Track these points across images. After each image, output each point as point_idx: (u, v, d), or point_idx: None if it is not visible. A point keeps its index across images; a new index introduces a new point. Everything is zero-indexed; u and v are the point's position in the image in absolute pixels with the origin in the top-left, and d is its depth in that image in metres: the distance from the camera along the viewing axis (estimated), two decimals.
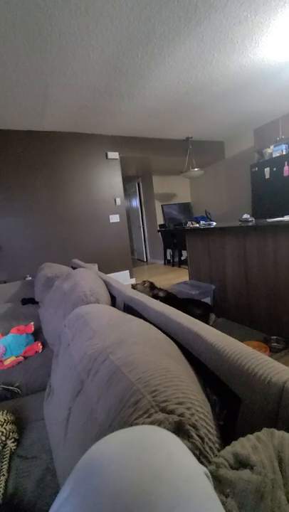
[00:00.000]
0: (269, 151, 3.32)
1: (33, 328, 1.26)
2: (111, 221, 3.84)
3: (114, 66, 2.18)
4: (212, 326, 0.76)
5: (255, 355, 0.48)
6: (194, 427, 0.34)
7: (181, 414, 0.35)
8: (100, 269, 3.22)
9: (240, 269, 2.03)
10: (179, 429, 0.33)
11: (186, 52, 2.11)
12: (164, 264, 5.39)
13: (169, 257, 5.26)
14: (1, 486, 0.54)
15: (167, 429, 0.32)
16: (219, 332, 0.59)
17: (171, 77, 2.44)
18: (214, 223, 2.52)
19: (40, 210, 3.37)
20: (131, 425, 0.35)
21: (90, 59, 2.05)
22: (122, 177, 4.02)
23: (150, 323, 0.77)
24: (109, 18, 1.67)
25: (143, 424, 0.34)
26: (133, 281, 4.08)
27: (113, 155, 3.77)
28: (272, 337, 1.77)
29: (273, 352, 1.66)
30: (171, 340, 0.63)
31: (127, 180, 5.89)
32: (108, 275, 2.64)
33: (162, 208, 5.52)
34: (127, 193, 6.48)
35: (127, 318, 0.76)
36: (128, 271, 4.04)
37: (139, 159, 4.31)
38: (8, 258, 3.20)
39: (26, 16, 1.58)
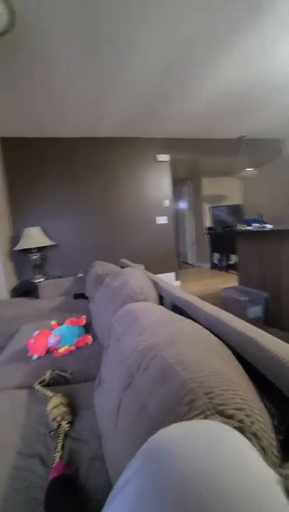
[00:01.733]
0: None
1: (84, 321, 1.34)
2: (158, 223, 3.87)
3: (170, 70, 2.20)
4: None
5: None
6: (255, 436, 0.32)
7: (241, 421, 0.33)
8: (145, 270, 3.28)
9: None
10: None
11: (245, 49, 2.02)
12: (211, 268, 5.21)
13: (216, 261, 5.08)
14: (56, 461, 0.58)
15: None
16: (279, 340, 0.55)
17: (226, 75, 2.36)
18: (269, 226, 2.35)
19: (92, 211, 3.58)
20: None
21: (146, 66, 2.11)
22: (172, 179, 4.03)
23: (200, 324, 0.75)
24: (170, 23, 1.69)
25: None
26: (178, 284, 4.04)
27: (163, 157, 3.80)
28: None
29: None
30: (224, 344, 0.61)
31: (175, 182, 5.88)
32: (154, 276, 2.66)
33: (211, 210, 5.37)
34: (175, 195, 6.46)
35: (176, 317, 0.76)
36: (174, 273, 4.02)
37: (188, 161, 4.26)
38: (63, 255, 3.48)
39: (88, 25, 1.69)
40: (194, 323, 0.72)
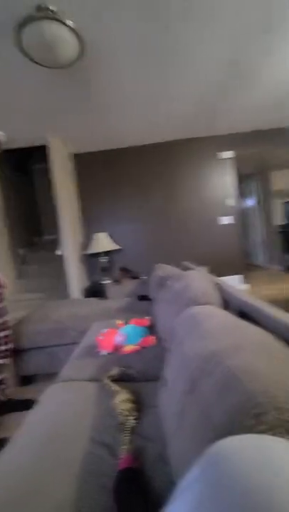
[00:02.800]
0: None
1: (148, 323, 1.38)
2: (222, 223, 3.70)
3: (230, 61, 2.10)
4: None
5: None
6: None
7: None
8: (210, 272, 3.17)
9: None
10: None
11: None
12: (284, 270, 4.69)
13: None
14: (125, 453, 0.61)
15: None
16: None
17: None
18: None
19: (154, 215, 3.68)
20: None
21: (204, 63, 2.06)
22: (236, 176, 3.81)
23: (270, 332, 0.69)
24: (235, 12, 1.62)
25: None
26: (247, 287, 3.77)
27: (226, 154, 3.63)
28: None
29: None
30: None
31: (240, 179, 5.53)
32: (219, 278, 2.55)
33: (285, 205, 4.84)
34: (241, 193, 6.07)
35: (242, 323, 0.71)
36: (241, 276, 3.77)
37: (254, 155, 3.95)
38: (127, 259, 3.66)
39: (149, 37, 1.75)
40: (263, 331, 0.66)
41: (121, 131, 3.14)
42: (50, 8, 1.30)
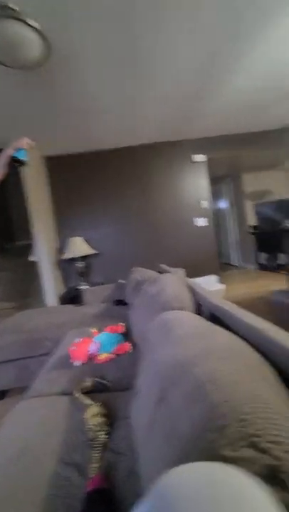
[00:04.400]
0: None
1: (123, 329, 1.36)
2: (197, 225, 3.77)
3: (201, 69, 2.15)
4: None
5: None
6: None
7: (278, 458, 0.29)
8: (186, 273, 3.21)
9: None
10: (273, 477, 0.27)
11: (282, 31, 1.86)
12: (257, 269, 4.88)
13: (263, 261, 4.73)
14: (94, 472, 0.59)
15: (257, 472, 0.27)
16: None
17: (263, 62, 2.21)
18: None
19: (131, 218, 3.66)
20: (215, 454, 0.31)
21: (176, 68, 2.09)
22: (209, 178, 3.90)
23: (240, 337, 0.69)
24: (193, 21, 1.66)
25: (229, 456, 0.30)
26: (222, 287, 3.86)
27: (199, 158, 3.71)
28: None
29: None
30: (266, 362, 0.55)
31: (213, 181, 5.68)
32: (195, 279, 2.58)
33: (255, 207, 5.04)
34: (214, 195, 6.24)
35: (212, 328, 0.71)
36: (216, 276, 3.86)
37: (227, 158, 4.08)
38: (105, 263, 3.61)
39: (120, 45, 1.75)
40: (233, 335, 0.67)
41: (94, 134, 3.09)
42: (11, 6, 1.24)
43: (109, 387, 1.00)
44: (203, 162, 3.74)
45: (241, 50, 2.00)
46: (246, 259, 5.28)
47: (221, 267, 5.65)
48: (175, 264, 3.63)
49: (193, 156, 3.73)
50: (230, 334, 0.66)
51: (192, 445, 0.36)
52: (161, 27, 1.65)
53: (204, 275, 3.82)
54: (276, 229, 3.49)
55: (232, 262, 5.72)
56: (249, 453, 0.30)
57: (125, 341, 1.28)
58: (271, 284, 3.58)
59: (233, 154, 3.90)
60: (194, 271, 3.75)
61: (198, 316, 0.87)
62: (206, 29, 1.73)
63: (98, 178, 3.60)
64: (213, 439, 0.33)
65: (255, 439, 0.31)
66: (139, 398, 0.70)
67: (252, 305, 2.88)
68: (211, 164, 4.01)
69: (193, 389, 0.46)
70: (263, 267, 4.72)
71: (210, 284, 3.79)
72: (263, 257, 4.68)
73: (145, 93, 2.37)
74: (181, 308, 0.97)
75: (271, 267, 4.44)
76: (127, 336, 1.37)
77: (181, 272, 2.50)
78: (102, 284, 3.29)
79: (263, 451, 0.30)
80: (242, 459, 0.29)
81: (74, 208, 3.58)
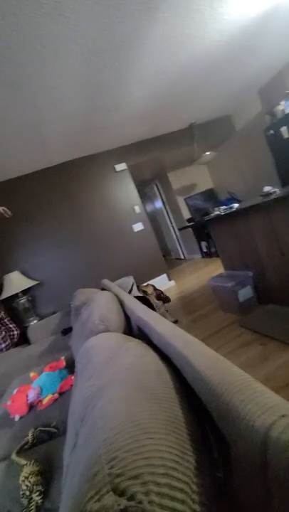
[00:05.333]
0: (281, 108, 2.95)
1: (64, 363, 1.29)
2: (135, 230, 3.84)
3: (93, 83, 2.19)
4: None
5: (242, 385, 0.38)
6: None
7: (132, 497, 0.28)
8: (136, 280, 3.23)
9: (273, 248, 1.82)
10: None
11: (155, 44, 2.01)
12: (202, 257, 5.18)
13: (205, 249, 5.04)
14: None
15: None
16: (214, 354, 0.51)
17: (149, 72, 2.36)
18: (236, 205, 2.32)
19: (68, 238, 3.55)
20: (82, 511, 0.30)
21: (68, 85, 2.09)
22: (138, 182, 4.02)
23: (156, 346, 0.71)
24: (71, 40, 1.68)
25: (93, 511, 0.29)
26: (172, 284, 3.99)
27: (121, 166, 3.79)
28: None
29: None
30: (166, 369, 0.56)
31: (143, 184, 5.88)
32: (148, 283, 2.61)
33: (186, 201, 5.35)
34: (147, 197, 6.46)
35: (125, 347, 0.71)
36: (165, 274, 3.98)
37: (149, 161, 4.26)
38: (52, 291, 3.43)
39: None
40: (143, 348, 0.68)
41: (9, 161, 2.93)
42: None
43: (54, 433, 0.94)
44: (125, 170, 3.83)
45: (125, 61, 2.10)
46: (192, 251, 5.57)
47: (171, 262, 5.86)
48: (124, 273, 3.64)
49: (115, 165, 3.80)
50: (138, 349, 0.67)
51: (75, 501, 0.34)
52: (45, 51, 1.65)
53: (154, 277, 3.91)
54: (197, 221, 3.75)
55: (180, 256, 5.97)
56: (109, 500, 0.29)
57: (70, 374, 1.22)
58: (217, 269, 3.81)
59: (151, 157, 4.08)
60: (144, 275, 3.81)
61: (117, 335, 0.87)
62: (89, 45, 1.78)
63: (28, 204, 3.41)
64: (84, 493, 0.32)
65: (118, 480, 0.30)
66: (66, 441, 0.67)
67: (201, 294, 3.03)
68: (134, 170, 4.13)
69: (90, 429, 0.45)
70: (207, 255, 5.03)
71: (162, 284, 3.89)
72: (204, 245, 4.99)
73: (44, 112, 2.32)
74: (106, 330, 0.96)
75: (213, 253, 4.75)
76: (72, 367, 1.31)
77: (129, 279, 2.51)
78: (54, 313, 3.12)
79: (122, 492, 0.29)
80: (102, 509, 0.28)
81: (3, 242, 3.32)
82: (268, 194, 1.91)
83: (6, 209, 2.29)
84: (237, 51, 2.56)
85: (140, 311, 0.97)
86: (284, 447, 0.28)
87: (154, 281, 3.85)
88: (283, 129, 2.95)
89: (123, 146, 3.86)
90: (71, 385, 1.15)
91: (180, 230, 2.95)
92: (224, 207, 2.43)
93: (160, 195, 5.69)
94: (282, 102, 2.94)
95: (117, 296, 1.35)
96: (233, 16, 2.03)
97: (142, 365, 0.58)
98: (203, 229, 4.57)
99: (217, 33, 2.18)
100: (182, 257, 5.92)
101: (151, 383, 0.51)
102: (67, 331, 1.99)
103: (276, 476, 0.29)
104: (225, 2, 1.85)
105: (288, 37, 2.64)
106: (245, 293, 2.09)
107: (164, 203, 5.68)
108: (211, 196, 5.32)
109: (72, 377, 1.17)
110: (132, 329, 1.06)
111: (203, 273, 3.95)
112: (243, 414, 0.34)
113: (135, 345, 0.72)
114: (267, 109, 3.36)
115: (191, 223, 4.71)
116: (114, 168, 3.80)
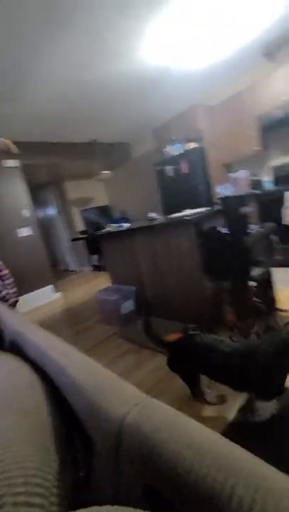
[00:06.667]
0: (167, 150, 3.53)
1: None
2: (20, 235, 3.48)
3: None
4: None
5: (105, 382, 0.44)
6: None
7: None
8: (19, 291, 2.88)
9: (152, 266, 2.09)
10: None
11: (64, 56, 2.02)
12: (93, 270, 5.24)
13: (96, 263, 5.14)
14: None
15: None
16: (88, 360, 0.54)
17: (57, 78, 2.32)
18: (126, 225, 2.54)
19: None
20: None
21: None
22: (30, 186, 3.70)
23: (32, 359, 0.67)
24: None
25: None
26: (58, 295, 3.81)
27: (11, 163, 3.41)
28: (190, 325, 1.87)
29: None
30: (38, 381, 0.55)
31: (36, 188, 5.46)
32: (29, 294, 2.34)
33: (81, 213, 5.35)
34: (41, 202, 6.04)
35: None
36: (51, 286, 3.75)
37: (47, 165, 4.04)
38: None
39: None
40: (15, 361, 0.63)
41: None
42: None
43: None
44: (16, 168, 3.47)
45: (32, 60, 1.99)
46: (81, 263, 5.53)
47: (59, 273, 5.60)
48: None
49: (4, 160, 3.37)
50: (7, 364, 0.62)
51: None
52: None
53: (39, 287, 3.62)
54: (90, 235, 3.87)
55: (69, 268, 5.81)
56: None
57: None
58: (106, 282, 3.93)
59: (50, 162, 3.90)
60: (27, 285, 3.46)
61: None
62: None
63: None
64: None
65: None
66: None
67: (86, 307, 3.04)
68: (28, 170, 3.80)
69: None
70: (96, 268, 5.13)
71: (46, 296, 3.64)
72: (95, 258, 5.08)
73: None
74: None
75: (103, 267, 4.90)
76: None
77: None
78: None
79: None
80: None
81: None
82: (153, 219, 2.21)
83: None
84: (134, 93, 2.90)
85: (13, 323, 0.89)
86: (135, 428, 0.35)
87: (37, 294, 3.55)
88: (168, 168, 3.52)
89: (19, 141, 3.51)
90: None
91: (73, 240, 2.92)
92: (116, 224, 2.61)
93: (56, 202, 5.44)
94: (168, 146, 3.53)
95: None
96: (136, 62, 2.33)
97: (10, 380, 0.54)
98: (95, 243, 4.67)
99: (120, 72, 2.43)
100: (72, 269, 5.77)
101: (21, 397, 0.48)
102: None
103: (128, 454, 0.34)
104: (133, 47, 2.11)
105: (176, 95, 3.24)
106: (127, 306, 2.27)
107: (58, 211, 5.46)
108: (105, 212, 5.55)
109: None
110: (3, 343, 0.95)
111: (92, 285, 3.99)
112: (104, 408, 0.39)
113: (5, 361, 0.66)
114: (157, 147, 3.92)
115: (84, 235, 4.73)
116: (1, 163, 3.37)
